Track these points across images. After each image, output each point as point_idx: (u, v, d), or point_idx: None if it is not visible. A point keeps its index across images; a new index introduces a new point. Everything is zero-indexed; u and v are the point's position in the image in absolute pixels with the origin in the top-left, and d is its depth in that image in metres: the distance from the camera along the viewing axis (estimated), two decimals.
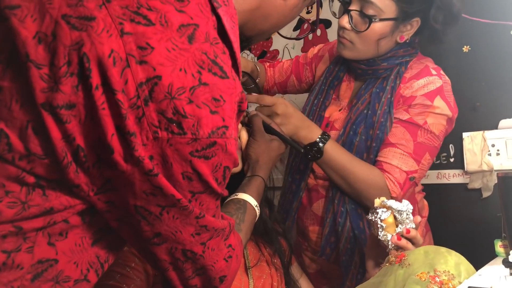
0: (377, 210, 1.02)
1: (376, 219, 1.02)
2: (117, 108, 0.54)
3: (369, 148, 1.31)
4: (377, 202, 1.04)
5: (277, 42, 2.36)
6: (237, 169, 1.12)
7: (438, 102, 1.30)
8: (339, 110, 1.43)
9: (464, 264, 0.90)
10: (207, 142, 0.58)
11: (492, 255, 1.16)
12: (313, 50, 1.64)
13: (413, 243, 1.03)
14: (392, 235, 1.01)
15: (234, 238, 0.76)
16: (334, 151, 1.27)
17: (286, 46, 2.34)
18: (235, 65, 0.67)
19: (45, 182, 0.58)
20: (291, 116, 1.25)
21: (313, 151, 1.26)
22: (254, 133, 1.14)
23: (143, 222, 0.63)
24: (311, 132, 1.27)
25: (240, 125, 1.17)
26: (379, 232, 1.01)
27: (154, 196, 0.60)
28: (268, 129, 1.18)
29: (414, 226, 1.03)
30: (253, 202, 1.03)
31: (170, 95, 0.55)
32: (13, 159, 0.56)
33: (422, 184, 1.57)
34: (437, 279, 0.80)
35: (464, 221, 1.76)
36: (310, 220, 1.45)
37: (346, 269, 1.36)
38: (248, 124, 1.18)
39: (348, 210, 1.33)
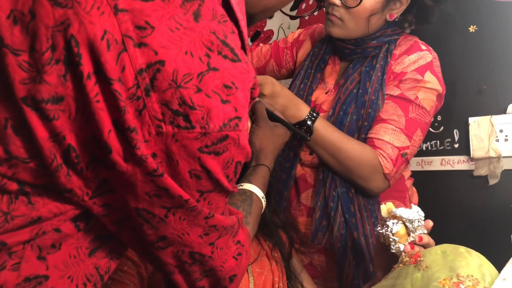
0: (387, 223, 0.96)
1: (387, 232, 0.96)
2: (114, 100, 0.48)
3: (361, 128, 1.30)
4: (384, 210, 0.99)
5: (271, 22, 2.28)
6: None
7: (429, 76, 1.30)
8: (326, 93, 1.41)
9: (486, 265, 0.84)
10: (218, 136, 0.53)
11: (503, 247, 1.10)
12: (294, 35, 1.61)
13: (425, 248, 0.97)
14: (405, 245, 0.95)
15: (243, 233, 0.71)
16: (324, 129, 1.26)
17: (281, 26, 2.26)
18: (243, 47, 0.60)
19: (30, 188, 0.51)
20: (278, 95, 1.22)
21: (302, 130, 1.24)
22: (257, 119, 1.10)
23: (145, 225, 0.57)
24: (299, 111, 1.25)
25: None
26: (392, 246, 0.96)
27: (159, 198, 0.54)
28: (271, 117, 1.14)
29: (426, 231, 0.97)
30: (259, 193, 0.99)
31: (175, 83, 0.49)
32: None
33: (425, 171, 1.52)
34: (461, 286, 0.74)
35: (469, 209, 1.72)
36: (299, 211, 1.42)
37: (342, 256, 1.33)
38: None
39: (339, 193, 1.31)
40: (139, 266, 0.91)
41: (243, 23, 0.61)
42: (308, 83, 1.44)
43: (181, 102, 0.49)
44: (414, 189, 1.50)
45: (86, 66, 0.47)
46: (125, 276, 0.88)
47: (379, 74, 1.32)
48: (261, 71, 1.63)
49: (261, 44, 1.66)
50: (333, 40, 1.41)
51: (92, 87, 0.47)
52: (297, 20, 2.17)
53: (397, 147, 1.26)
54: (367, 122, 1.29)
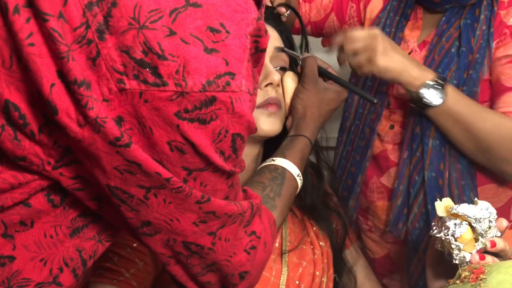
0: (447, 224, 0.80)
1: (447, 236, 0.80)
2: (54, 43, 0.40)
3: None
4: (440, 208, 0.83)
5: None
6: (277, 127, 0.95)
7: None
8: (409, 54, 1.24)
9: None
10: (202, 98, 0.44)
11: None
12: None
13: (500, 257, 0.82)
14: (472, 254, 0.79)
15: (260, 222, 0.63)
16: (457, 95, 1.08)
17: None
18: None
19: None
20: (395, 48, 1.07)
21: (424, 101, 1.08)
22: (304, 78, 0.97)
23: (123, 207, 0.50)
24: (423, 72, 1.07)
25: (287, 71, 1.02)
26: (454, 255, 0.80)
27: (133, 175, 0.47)
28: (325, 76, 1.00)
29: (499, 234, 0.81)
30: (294, 170, 0.87)
31: (138, 22, 0.40)
32: None
33: None
34: None
35: None
36: (378, 193, 1.30)
37: (412, 251, 1.21)
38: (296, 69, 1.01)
39: (425, 179, 1.16)
40: None
41: None
42: None
43: (146, 49, 0.41)
44: None
45: None
46: (134, 254, 0.84)
47: (484, 27, 1.14)
48: (319, 26, 1.47)
49: None
50: None
51: (23, 25, 0.39)
52: None
53: None
54: (467, 86, 1.13)
